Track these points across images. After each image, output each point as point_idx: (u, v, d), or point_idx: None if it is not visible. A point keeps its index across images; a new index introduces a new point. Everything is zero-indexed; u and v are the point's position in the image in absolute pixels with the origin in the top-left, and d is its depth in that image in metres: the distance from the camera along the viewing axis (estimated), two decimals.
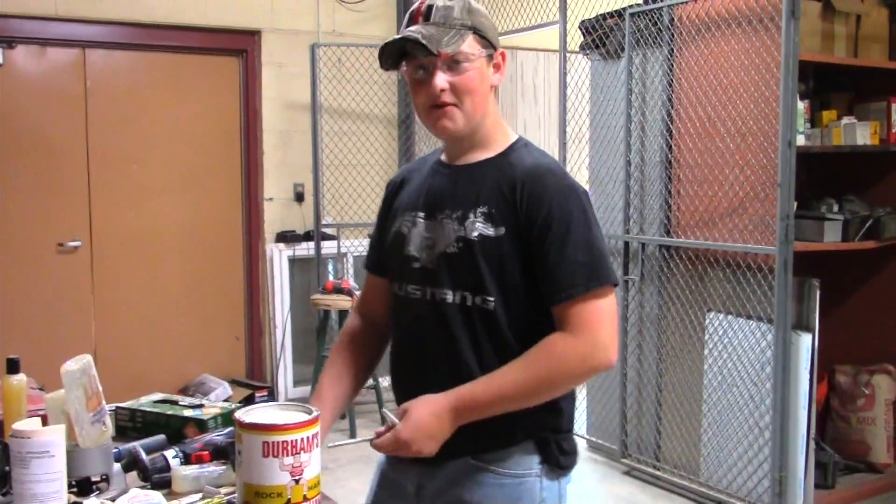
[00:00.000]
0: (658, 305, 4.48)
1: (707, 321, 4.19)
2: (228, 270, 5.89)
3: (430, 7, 1.66)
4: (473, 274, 1.64)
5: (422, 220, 1.74)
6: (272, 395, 5.80)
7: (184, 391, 5.47)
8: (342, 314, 5.31)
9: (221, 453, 1.86)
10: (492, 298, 1.64)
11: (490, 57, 1.70)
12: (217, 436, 1.98)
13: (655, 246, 4.45)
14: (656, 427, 4.53)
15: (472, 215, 1.66)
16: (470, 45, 1.65)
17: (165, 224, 5.65)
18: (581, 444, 5.02)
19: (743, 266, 3.93)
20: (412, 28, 1.65)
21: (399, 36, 1.65)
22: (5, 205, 5.17)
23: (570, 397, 1.75)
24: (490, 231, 1.64)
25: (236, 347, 5.95)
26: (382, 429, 1.67)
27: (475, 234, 1.65)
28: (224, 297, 5.88)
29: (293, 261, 5.88)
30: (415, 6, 1.69)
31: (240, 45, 5.78)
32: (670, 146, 4.32)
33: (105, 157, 5.44)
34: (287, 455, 1.52)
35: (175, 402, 2.25)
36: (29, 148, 5.22)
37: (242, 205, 5.91)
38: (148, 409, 2.20)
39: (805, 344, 3.77)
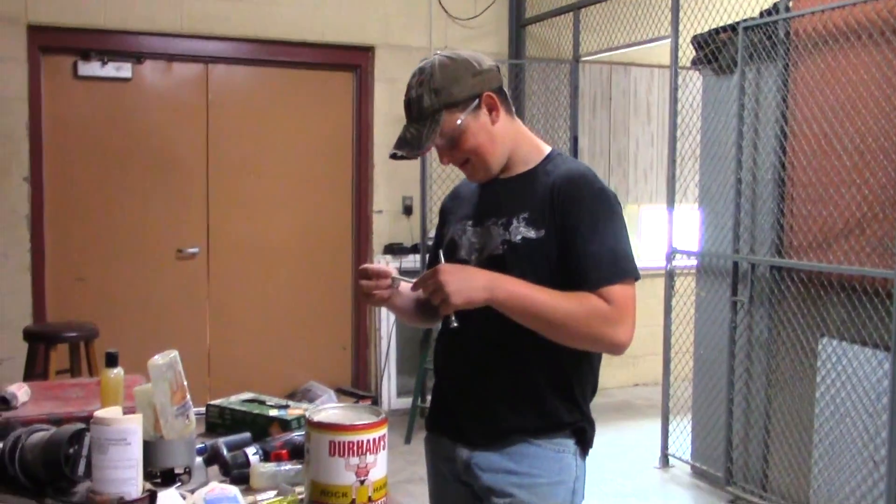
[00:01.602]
0: (768, 329, 4.31)
1: (820, 347, 4.00)
2: (337, 281, 6.02)
3: (408, 103, 1.85)
4: (518, 272, 1.79)
5: (471, 228, 1.94)
6: (376, 405, 5.87)
7: (291, 397, 5.61)
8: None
9: (299, 452, 1.89)
10: None
11: (476, 108, 1.84)
12: (298, 435, 2.02)
13: (766, 267, 4.29)
14: (764, 456, 4.34)
15: (515, 221, 1.85)
16: (447, 122, 1.81)
17: (278, 234, 5.83)
18: (684, 470, 4.88)
19: (860, 290, 3.74)
20: (402, 131, 1.85)
21: (391, 152, 1.88)
22: (129, 212, 5.45)
23: (588, 395, 1.93)
24: (532, 234, 1.83)
25: (343, 356, 6.07)
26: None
27: (519, 237, 1.84)
28: (332, 307, 6.01)
29: (401, 272, 5.92)
30: (404, 100, 1.87)
31: (354, 61, 5.93)
32: (783, 164, 4.17)
33: (224, 169, 5.67)
34: (353, 455, 1.54)
35: (262, 402, 2.31)
36: (153, 158, 5.50)
37: (352, 216, 6.03)
38: (236, 408, 2.27)
39: None
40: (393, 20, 5.91)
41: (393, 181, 5.98)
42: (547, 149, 1.95)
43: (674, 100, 4.82)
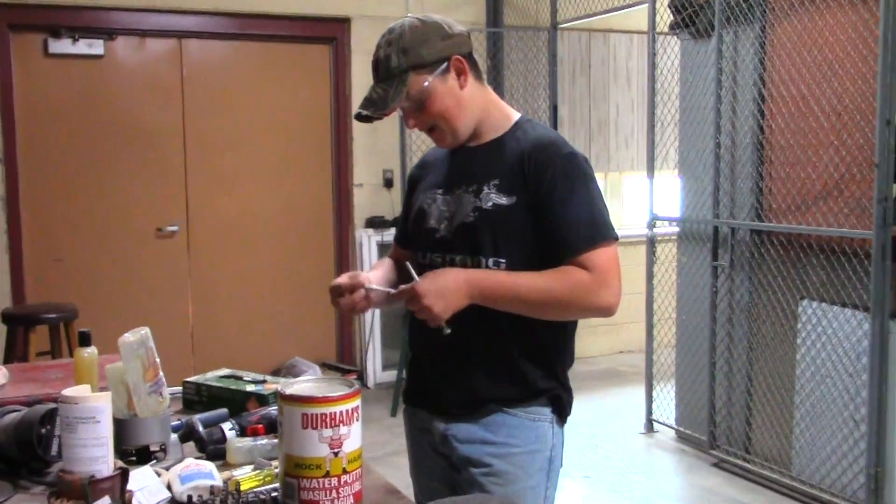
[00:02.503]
0: (749, 293, 4.33)
1: (800, 309, 4.01)
2: (319, 255, 5.99)
3: (376, 63, 1.83)
4: (488, 239, 1.81)
5: (440, 196, 1.93)
6: (361, 379, 5.88)
7: (276, 373, 5.60)
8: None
9: (276, 426, 1.88)
10: (503, 260, 1.81)
11: (444, 71, 1.82)
12: (274, 410, 2.00)
13: (746, 231, 4.30)
14: (746, 418, 4.38)
15: (486, 188, 1.84)
16: (414, 83, 1.79)
17: (259, 209, 5.79)
18: (669, 435, 4.91)
19: (838, 251, 3.75)
20: (369, 91, 1.83)
21: (355, 112, 1.88)
22: (107, 191, 5.39)
23: (565, 361, 1.93)
24: (503, 200, 1.81)
25: (327, 331, 6.06)
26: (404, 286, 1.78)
27: (490, 203, 1.82)
28: (315, 282, 5.98)
29: (382, 246, 5.93)
30: (372, 60, 1.85)
31: (330, 33, 5.86)
32: (762, 127, 4.16)
33: (201, 145, 5.61)
34: (326, 427, 1.53)
35: (239, 378, 2.29)
36: (129, 136, 5.43)
37: (333, 191, 6.00)
38: (212, 384, 2.25)
39: None
40: None
41: (373, 154, 5.94)
42: (516, 115, 1.93)
43: (652, 65, 4.79)
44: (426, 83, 1.80)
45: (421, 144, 5.90)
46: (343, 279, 1.85)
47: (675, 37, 4.78)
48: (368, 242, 5.89)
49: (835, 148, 3.77)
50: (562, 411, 1.91)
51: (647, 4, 4.76)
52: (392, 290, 1.81)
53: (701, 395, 4.61)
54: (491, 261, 1.81)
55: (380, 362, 5.97)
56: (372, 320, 5.89)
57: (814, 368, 3.93)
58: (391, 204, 5.94)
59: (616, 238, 1.80)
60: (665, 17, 4.76)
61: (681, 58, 4.76)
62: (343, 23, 5.84)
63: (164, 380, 1.87)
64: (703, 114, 4.51)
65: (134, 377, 1.79)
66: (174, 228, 5.58)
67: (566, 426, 1.95)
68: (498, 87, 5.98)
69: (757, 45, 4.14)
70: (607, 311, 1.77)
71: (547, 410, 1.88)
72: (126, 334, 1.81)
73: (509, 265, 1.80)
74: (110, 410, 1.52)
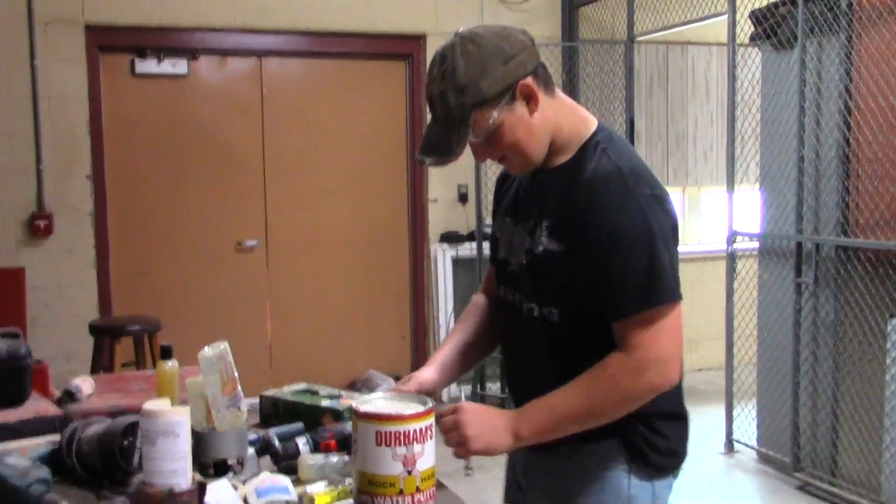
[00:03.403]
0: (834, 311, 4.19)
1: (890, 328, 3.86)
2: (395, 270, 6.03)
3: (430, 99, 1.60)
4: (539, 286, 1.66)
5: (511, 226, 1.76)
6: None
7: (351, 386, 5.65)
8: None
9: (348, 442, 1.89)
10: (556, 311, 1.65)
11: (511, 99, 1.57)
12: (348, 426, 2.01)
13: (831, 247, 4.16)
14: (833, 440, 4.23)
15: (538, 228, 1.66)
16: (479, 121, 1.56)
17: (335, 224, 5.86)
18: (750, 456, 4.77)
19: None
20: (427, 130, 1.63)
21: (418, 157, 1.66)
22: (188, 207, 5.53)
23: (665, 403, 1.64)
24: (553, 246, 1.63)
25: (402, 345, 6.08)
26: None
27: (541, 248, 1.65)
28: (390, 296, 6.02)
29: (456, 261, 5.94)
30: (426, 93, 1.64)
31: (406, 50, 5.91)
32: (848, 140, 4.03)
33: (279, 161, 5.71)
34: (399, 445, 1.52)
35: (315, 392, 2.31)
36: (211, 153, 5.57)
37: (408, 206, 6.03)
38: (288, 398, 2.27)
39: None
40: (443, 7, 5.88)
41: (447, 170, 5.87)
42: (590, 129, 1.67)
43: (732, 77, 4.70)
44: (492, 120, 1.56)
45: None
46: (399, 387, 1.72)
47: (756, 48, 4.68)
48: (443, 257, 5.90)
49: None
50: (642, 459, 1.65)
51: (726, 16, 4.67)
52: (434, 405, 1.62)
53: (784, 416, 4.47)
54: (545, 310, 1.65)
55: None
56: (447, 333, 5.88)
57: None
58: (465, 219, 5.94)
59: (671, 299, 1.55)
60: (745, 28, 4.66)
61: (762, 69, 4.65)
62: (418, 39, 5.89)
63: (241, 394, 1.89)
64: (785, 127, 4.40)
65: (213, 391, 1.82)
66: (254, 243, 5.69)
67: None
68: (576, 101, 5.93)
69: (843, 56, 4.02)
70: (659, 391, 1.56)
71: (619, 456, 1.65)
72: (205, 348, 1.84)
73: (563, 317, 1.63)
74: (189, 424, 1.54)
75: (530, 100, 1.60)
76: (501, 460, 1.91)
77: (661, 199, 1.59)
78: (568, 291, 1.62)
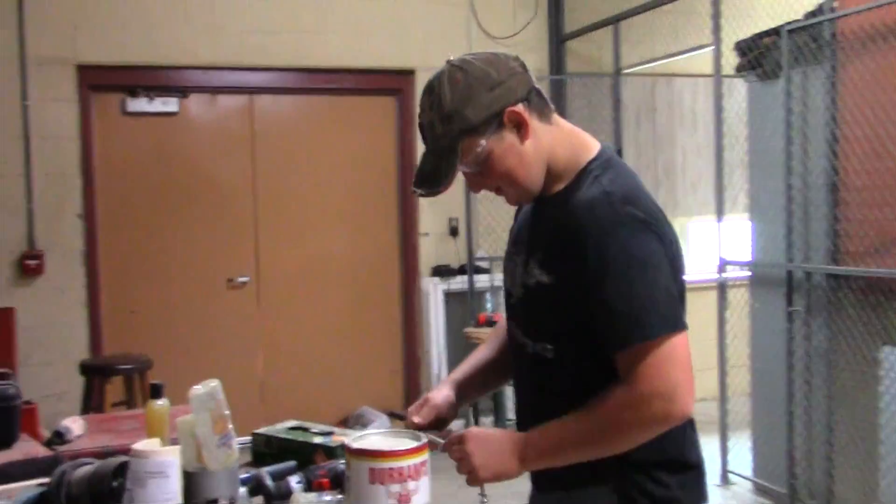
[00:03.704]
0: (827, 339, 4.19)
1: (882, 356, 3.86)
2: (386, 304, 6.02)
3: (421, 128, 1.58)
4: (533, 321, 1.62)
5: (513, 256, 1.72)
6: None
7: (344, 423, 5.61)
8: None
9: (341, 480, 1.87)
10: (550, 346, 1.59)
11: (499, 127, 1.54)
12: (342, 463, 1.99)
13: (822, 275, 4.17)
14: (828, 470, 4.20)
15: (531, 261, 1.62)
16: (467, 150, 1.53)
17: (326, 260, 5.86)
18: (746, 487, 4.75)
19: None
20: (421, 160, 1.60)
21: (412, 188, 1.63)
22: (179, 244, 5.53)
23: (655, 444, 1.54)
24: (545, 278, 1.58)
25: (394, 380, 6.06)
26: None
27: (533, 280, 1.60)
28: (382, 331, 6.01)
29: (448, 294, 5.93)
30: (418, 122, 1.62)
31: (396, 85, 5.95)
32: (835, 168, 4.06)
33: (271, 197, 5.72)
34: (394, 482, 1.51)
35: (306, 430, 2.29)
36: (201, 190, 5.58)
37: (399, 240, 6.04)
38: (281, 436, 2.25)
39: None
40: (432, 42, 5.93)
41: (438, 203, 5.97)
42: (589, 155, 1.61)
43: (719, 108, 4.74)
44: (480, 148, 1.53)
45: (487, 193, 5.91)
46: (413, 417, 1.71)
47: (742, 79, 4.73)
48: (435, 291, 5.89)
49: None
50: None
51: (712, 47, 4.72)
52: (441, 441, 1.62)
53: (779, 446, 4.45)
54: (538, 346, 1.60)
55: None
56: (439, 368, 5.87)
57: None
58: (457, 252, 5.95)
59: (667, 331, 1.47)
60: (731, 59, 4.71)
61: (748, 100, 4.70)
62: (408, 74, 5.93)
63: (233, 433, 1.87)
64: (773, 156, 4.43)
65: (203, 430, 1.81)
66: (245, 279, 5.68)
67: None
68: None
69: (828, 86, 4.06)
70: (669, 422, 1.48)
71: (612, 501, 1.57)
72: (196, 386, 1.83)
73: (558, 353, 1.58)
74: (179, 464, 1.53)
75: (520, 127, 1.55)
76: (520, 488, 1.85)
77: (653, 225, 1.52)
78: (561, 325, 1.57)
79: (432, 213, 5.98)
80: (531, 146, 1.57)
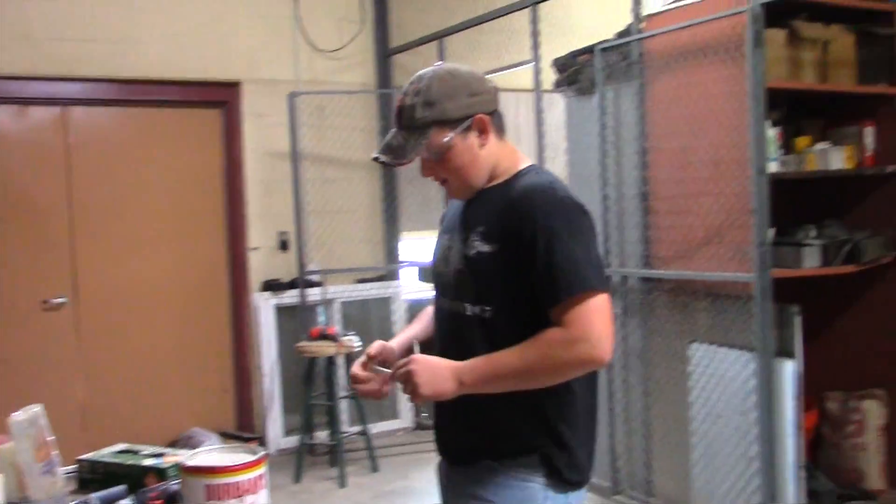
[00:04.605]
0: (642, 338, 4.46)
1: (690, 352, 4.16)
2: (215, 321, 5.88)
3: (400, 109, 1.88)
4: (473, 287, 1.86)
5: (447, 241, 2.00)
6: (262, 446, 5.75)
7: (173, 445, 5.42)
8: (329, 361, 5.29)
9: (175, 501, 1.83)
10: (489, 308, 1.84)
11: (467, 129, 1.86)
12: (174, 484, 1.95)
13: (636, 279, 4.44)
14: (646, 462, 4.47)
15: (472, 235, 1.88)
16: (435, 137, 1.84)
17: (151, 278, 5.65)
18: None
19: (723, 295, 3.92)
20: (388, 136, 1.91)
21: (374, 155, 1.92)
22: None
23: (569, 418, 1.86)
24: (486, 248, 1.84)
25: (225, 399, 5.92)
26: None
27: (474, 251, 1.87)
28: (211, 349, 5.86)
29: (280, 309, 5.86)
30: (396, 103, 1.92)
31: (220, 97, 5.84)
32: (646, 179, 4.33)
33: (89, 213, 5.46)
34: (230, 497, 1.50)
35: (136, 452, 2.22)
36: (11, 206, 5.25)
37: (227, 255, 5.91)
38: (108, 461, 2.17)
39: (788, 371, 3.74)
40: (258, 54, 5.86)
41: (267, 217, 5.90)
42: (525, 164, 1.95)
43: (539, 122, 4.95)
44: (446, 139, 1.84)
45: (317, 206, 5.92)
46: (355, 368, 1.95)
47: (560, 94, 4.96)
48: (266, 306, 5.81)
49: (714, 197, 3.96)
50: (558, 475, 1.84)
51: (532, 64, 4.93)
52: (388, 371, 1.88)
53: (601, 441, 4.68)
54: (477, 308, 1.84)
55: (280, 428, 5.85)
56: (272, 385, 5.79)
57: (707, 409, 4.06)
58: (287, 266, 5.89)
59: (599, 287, 1.76)
60: (550, 75, 4.93)
61: (566, 114, 4.93)
62: (233, 86, 5.83)
63: (57, 459, 1.80)
64: (590, 167, 4.67)
65: (25, 458, 1.72)
66: (61, 300, 5.39)
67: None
68: None
69: (637, 101, 4.34)
70: (591, 364, 1.75)
71: (539, 472, 1.83)
72: (16, 413, 1.75)
73: (495, 312, 1.83)
74: (1, 496, 1.45)
75: (482, 133, 1.88)
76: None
77: (584, 210, 1.86)
78: (499, 288, 1.82)
79: (262, 226, 5.90)
80: (485, 152, 1.90)
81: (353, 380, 1.95)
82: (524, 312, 1.80)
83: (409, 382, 1.77)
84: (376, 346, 2.01)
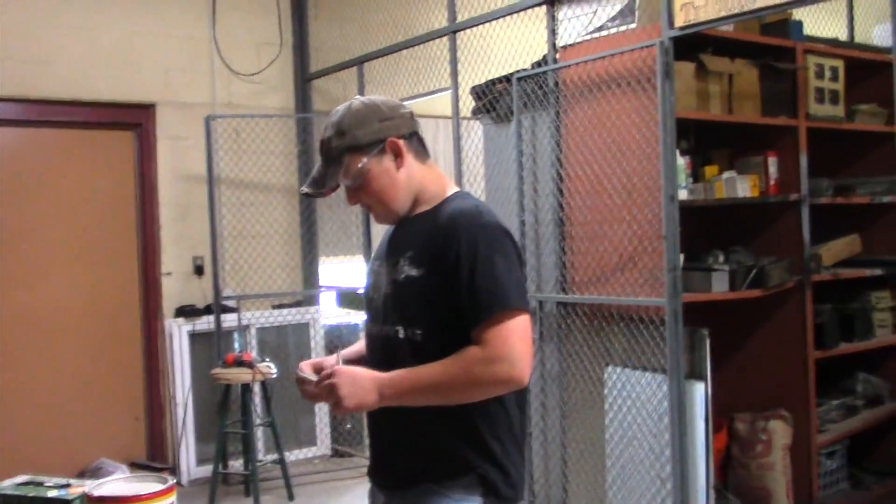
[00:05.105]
0: (559, 362, 4.51)
1: (606, 375, 4.23)
2: (126, 348, 5.73)
3: (321, 143, 1.96)
4: (403, 310, 1.90)
5: (377, 267, 2.04)
6: (174, 476, 5.60)
7: (80, 476, 5.24)
8: (245, 388, 5.19)
9: None
10: (419, 331, 1.88)
11: (380, 153, 1.91)
12: None
13: (553, 303, 4.50)
14: (563, 485, 4.51)
15: (402, 260, 1.93)
16: (350, 164, 1.91)
17: (60, 303, 5.48)
18: None
19: (636, 319, 4.00)
20: (313, 170, 1.99)
21: (301, 190, 2.04)
22: None
23: (502, 437, 1.90)
24: (414, 272, 1.89)
25: (136, 428, 5.76)
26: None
27: (402, 275, 1.91)
28: (122, 377, 5.70)
29: (194, 335, 5.74)
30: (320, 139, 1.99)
31: (134, 119, 5.73)
32: (562, 205, 4.41)
33: None
34: None
35: (40, 484, 2.14)
36: None
37: (139, 280, 5.77)
38: (9, 493, 2.09)
39: (698, 393, 3.83)
40: (174, 76, 5.78)
41: (182, 241, 5.79)
42: (452, 190, 2.01)
43: (457, 149, 5.00)
44: (360, 164, 1.90)
45: (233, 230, 5.85)
46: (303, 375, 1.95)
47: (478, 121, 5.02)
48: (179, 333, 5.68)
49: (627, 223, 4.05)
50: (495, 493, 1.88)
51: (450, 91, 4.98)
52: (315, 379, 1.89)
53: None
54: (409, 331, 1.88)
55: (194, 457, 5.71)
56: (185, 414, 5.65)
57: (621, 431, 4.13)
58: (202, 291, 5.79)
59: (519, 307, 1.81)
60: (468, 102, 4.99)
61: (484, 141, 4.99)
62: (148, 108, 5.73)
63: None
64: (507, 194, 4.73)
65: None
66: None
67: None
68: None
69: (553, 129, 4.42)
70: (509, 384, 1.79)
71: (476, 491, 1.86)
72: None
73: (426, 336, 1.86)
74: None
75: (397, 156, 1.93)
76: None
77: (509, 235, 1.92)
78: (429, 311, 1.86)
79: (176, 251, 5.78)
80: (404, 175, 1.95)
81: (299, 382, 1.98)
82: (454, 335, 1.83)
83: (331, 394, 1.80)
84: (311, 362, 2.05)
